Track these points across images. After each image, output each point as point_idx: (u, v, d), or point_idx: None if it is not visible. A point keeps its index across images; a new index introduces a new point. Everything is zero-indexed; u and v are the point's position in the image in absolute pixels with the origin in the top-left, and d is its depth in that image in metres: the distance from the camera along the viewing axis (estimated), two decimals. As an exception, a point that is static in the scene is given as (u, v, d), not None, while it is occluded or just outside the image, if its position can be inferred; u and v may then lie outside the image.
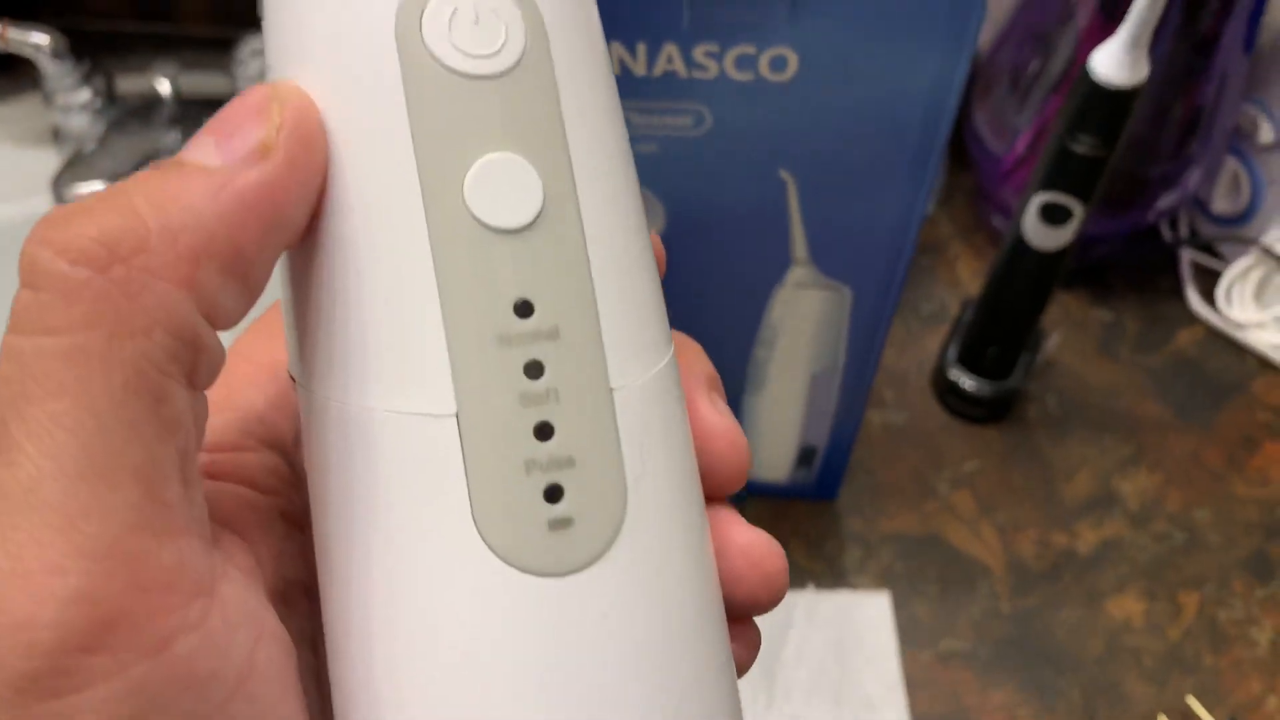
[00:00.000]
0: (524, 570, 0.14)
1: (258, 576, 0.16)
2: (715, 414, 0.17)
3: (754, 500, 0.48)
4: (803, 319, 0.36)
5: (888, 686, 0.42)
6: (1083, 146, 0.37)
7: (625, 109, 0.29)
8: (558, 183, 0.15)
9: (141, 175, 0.14)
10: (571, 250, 0.15)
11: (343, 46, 0.14)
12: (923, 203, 0.31)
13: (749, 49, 0.27)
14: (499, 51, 0.14)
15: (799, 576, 0.45)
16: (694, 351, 0.18)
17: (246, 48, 0.53)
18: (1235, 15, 0.44)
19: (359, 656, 0.15)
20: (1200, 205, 0.58)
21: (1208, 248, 0.58)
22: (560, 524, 0.15)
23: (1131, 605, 0.45)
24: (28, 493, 0.12)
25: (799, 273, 0.34)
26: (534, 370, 0.14)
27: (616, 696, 0.15)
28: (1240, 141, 0.54)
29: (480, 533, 0.14)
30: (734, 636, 0.18)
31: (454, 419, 0.14)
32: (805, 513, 0.47)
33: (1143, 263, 0.58)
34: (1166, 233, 0.59)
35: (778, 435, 0.42)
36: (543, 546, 0.14)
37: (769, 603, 0.18)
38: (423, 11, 0.14)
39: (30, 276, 0.13)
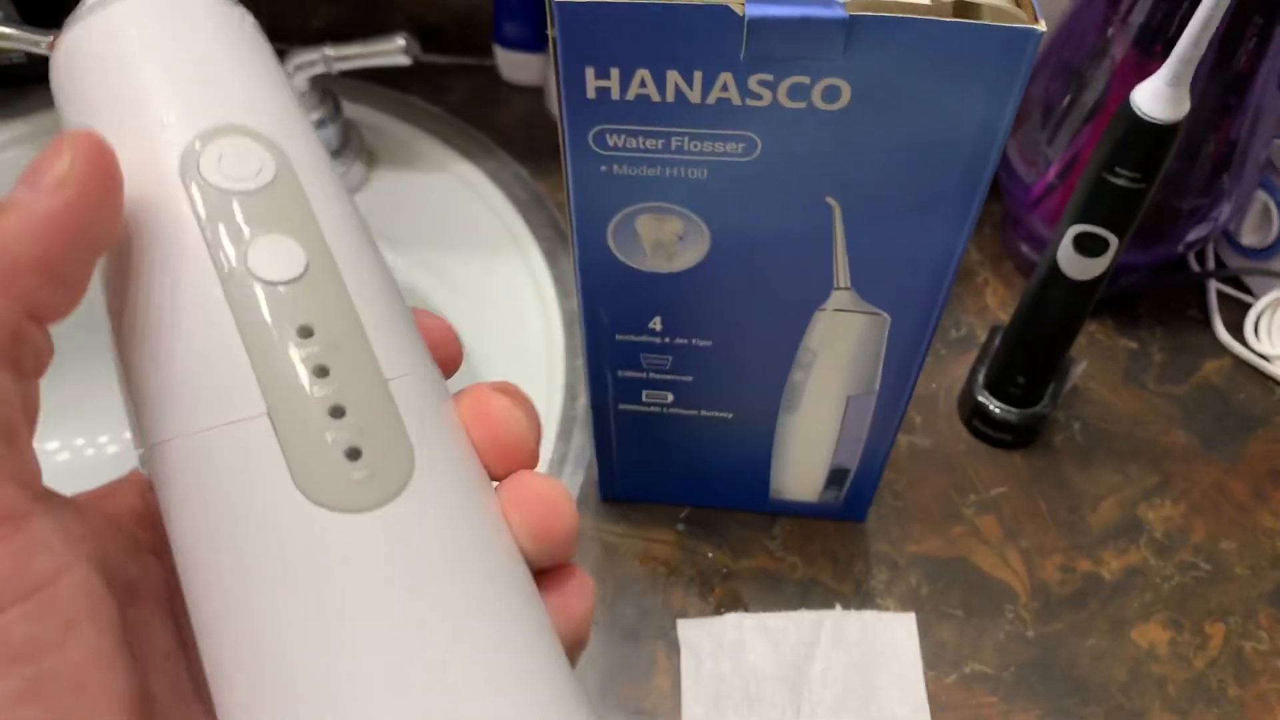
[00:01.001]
0: (341, 510, 0.18)
1: (80, 543, 0.19)
2: (493, 400, 0.22)
3: (783, 520, 0.48)
4: (841, 343, 0.36)
5: (913, 707, 0.42)
6: (1121, 179, 0.38)
7: (679, 135, 0.29)
8: (316, 248, 0.20)
9: None
10: (336, 290, 0.20)
11: (140, 186, 0.20)
12: (966, 235, 0.31)
13: (803, 79, 0.27)
14: (258, 173, 0.20)
15: (826, 597, 0.46)
16: (490, 382, 0.23)
17: (291, 63, 0.54)
18: (1270, 53, 0.44)
19: (222, 628, 0.18)
20: (1229, 237, 0.58)
21: (1235, 280, 0.59)
22: (363, 473, 0.19)
23: (1156, 634, 0.45)
24: None
25: (840, 298, 0.34)
26: (321, 372, 0.19)
27: (430, 603, 0.19)
28: (1271, 175, 0.54)
29: (301, 491, 0.18)
30: (558, 583, 0.22)
31: (266, 416, 0.19)
32: (833, 533, 0.48)
33: (1170, 293, 0.59)
34: (1194, 264, 0.59)
35: (810, 456, 0.43)
36: (352, 491, 0.19)
37: (562, 526, 0.21)
38: (199, 159, 0.20)
39: None
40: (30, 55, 0.60)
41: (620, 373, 0.40)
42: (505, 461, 0.22)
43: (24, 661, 0.17)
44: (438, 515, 0.19)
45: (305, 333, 0.19)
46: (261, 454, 0.19)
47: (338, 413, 0.19)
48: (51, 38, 0.52)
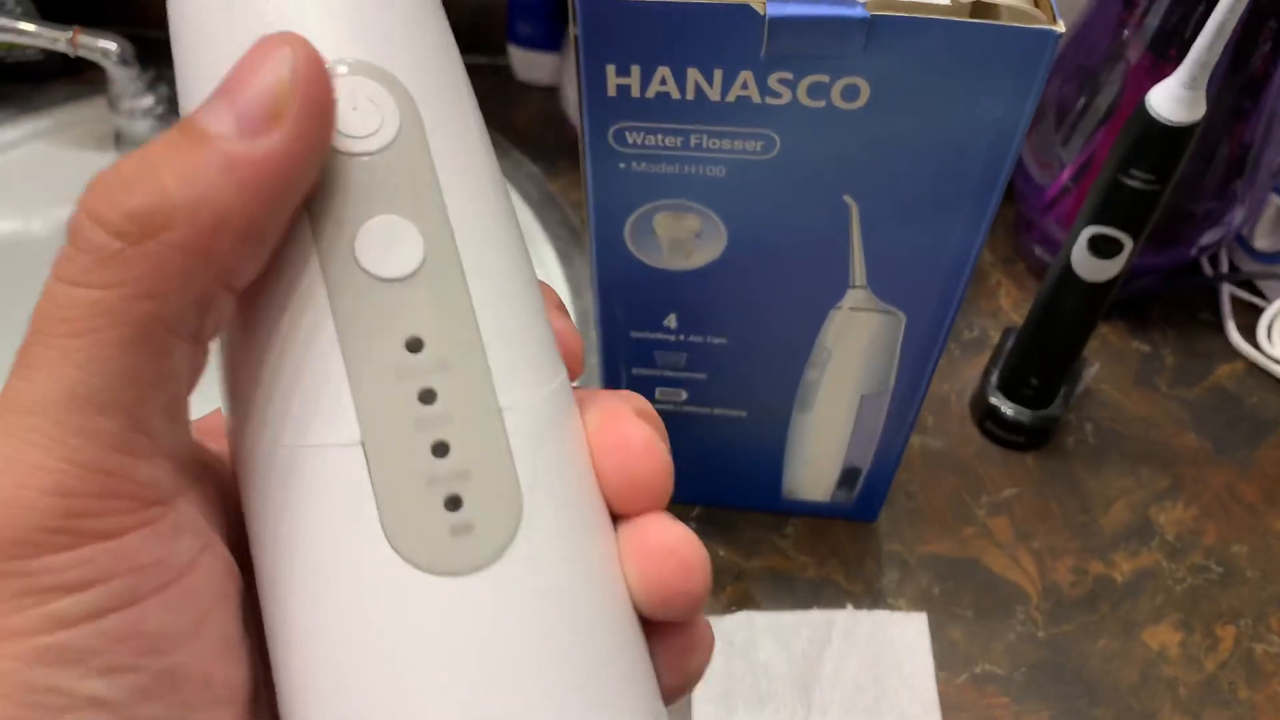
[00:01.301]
0: (432, 572, 0.16)
1: (218, 512, 0.18)
2: (635, 429, 0.19)
3: (794, 519, 0.48)
4: (855, 341, 0.37)
5: (924, 707, 0.43)
6: (1136, 181, 0.38)
7: (698, 133, 0.30)
8: (437, 236, 0.17)
9: (169, 143, 0.15)
10: (455, 293, 0.17)
11: None
12: (983, 236, 0.31)
13: (822, 78, 0.28)
14: (375, 132, 0.17)
15: (837, 596, 0.46)
16: (631, 394, 0.20)
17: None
18: (1285, 56, 0.44)
19: (295, 665, 0.17)
20: (1242, 241, 0.58)
21: (1248, 283, 0.59)
22: (462, 529, 0.16)
23: (1167, 636, 0.45)
24: (35, 404, 0.15)
25: (856, 296, 0.34)
26: (428, 397, 0.17)
27: (522, 683, 0.16)
28: (1284, 180, 0.54)
29: (390, 542, 0.16)
30: (673, 637, 0.19)
31: (360, 446, 0.16)
32: (845, 533, 0.48)
33: (1182, 296, 0.59)
34: (1207, 267, 0.59)
35: (823, 455, 0.43)
36: (447, 550, 0.16)
37: (689, 590, 0.19)
38: None
39: (75, 238, 0.15)
40: (47, 51, 0.60)
41: (635, 370, 0.40)
42: (635, 502, 0.19)
43: (156, 654, 0.16)
44: (538, 584, 0.17)
45: (414, 345, 0.17)
46: (351, 490, 0.16)
47: (441, 450, 0.17)
48: (71, 34, 0.53)
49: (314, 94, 0.16)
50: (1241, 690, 0.43)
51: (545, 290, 0.21)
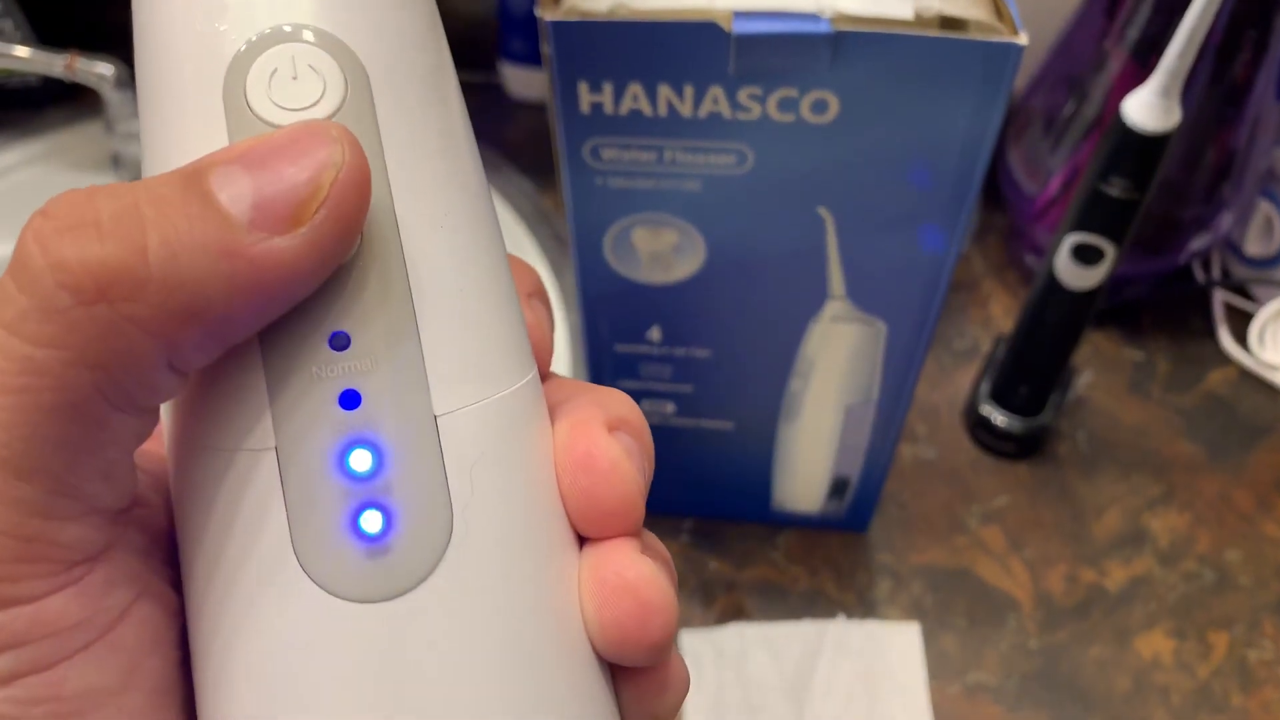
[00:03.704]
0: (341, 597, 0.15)
1: (164, 544, 0.17)
2: (600, 446, 0.17)
3: (785, 531, 0.48)
4: (837, 352, 0.37)
5: (916, 717, 0.43)
6: (1115, 189, 0.38)
7: (672, 148, 0.30)
8: (376, 221, 0.15)
9: (166, 193, 0.13)
10: (392, 284, 0.15)
11: (179, 103, 0.15)
12: (958, 243, 0.32)
13: (791, 92, 0.28)
14: (315, 104, 0.15)
15: (829, 607, 0.46)
16: (612, 395, 0.18)
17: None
18: (1267, 63, 0.44)
19: (206, 681, 0.16)
20: (1233, 247, 0.58)
21: (1240, 289, 0.59)
22: (378, 552, 0.15)
23: (1160, 643, 0.45)
24: None
25: (835, 307, 0.35)
26: (349, 400, 0.15)
27: None
28: (1273, 185, 0.54)
29: (299, 560, 0.15)
30: (640, 676, 0.17)
31: (274, 452, 0.15)
32: (836, 544, 0.48)
33: (1174, 303, 0.59)
34: (1199, 273, 0.59)
35: (811, 466, 0.43)
36: (361, 573, 0.15)
37: (646, 639, 0.16)
38: (247, 73, 0.15)
39: (19, 273, 0.13)
40: (45, 77, 0.61)
41: (621, 383, 0.40)
42: (598, 527, 0.17)
43: (77, 716, 0.14)
44: (461, 616, 0.15)
45: (339, 343, 0.15)
46: (264, 500, 0.15)
47: (360, 461, 0.15)
48: (67, 59, 0.53)
49: (348, 208, 0.14)
50: (1235, 697, 0.43)
51: (525, 275, 0.19)
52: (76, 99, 0.63)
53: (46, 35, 0.61)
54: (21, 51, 0.53)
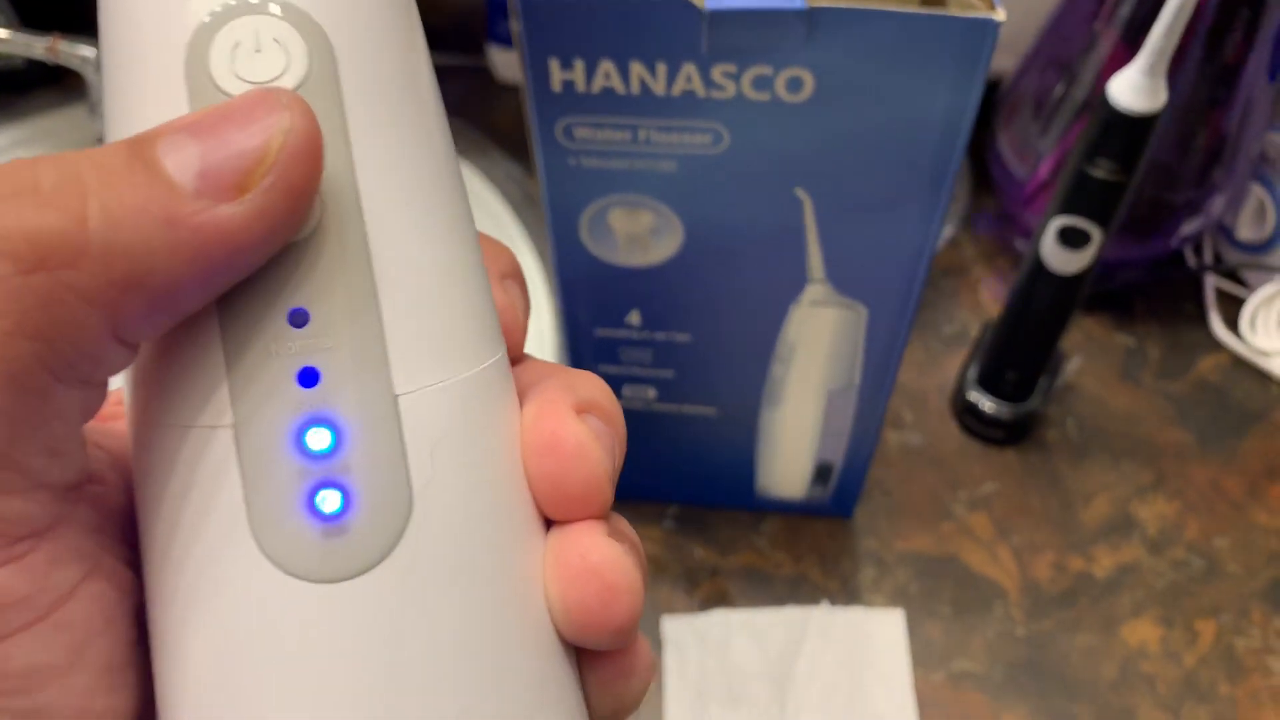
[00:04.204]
0: (297, 576, 0.15)
1: (119, 522, 0.16)
2: (568, 427, 0.17)
3: (770, 517, 0.48)
4: (819, 336, 0.36)
5: (900, 705, 0.42)
6: (1101, 171, 0.37)
7: (646, 127, 0.29)
8: (338, 195, 0.15)
9: (109, 161, 0.13)
10: (352, 260, 0.15)
11: (142, 74, 0.15)
12: (938, 225, 0.31)
13: (765, 70, 0.27)
14: (278, 77, 0.15)
15: (813, 593, 0.46)
16: (583, 377, 0.18)
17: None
18: (1259, 44, 0.44)
19: (163, 659, 0.15)
20: (1225, 232, 0.58)
21: (1232, 274, 0.58)
22: (335, 531, 0.15)
23: (1147, 631, 0.45)
24: None
25: (815, 290, 0.34)
26: (308, 378, 0.15)
27: (390, 706, 0.15)
28: (1266, 169, 0.54)
29: (256, 539, 0.15)
30: (605, 660, 0.17)
31: (231, 430, 0.15)
32: (821, 530, 0.48)
33: (1166, 288, 0.58)
34: (1191, 258, 0.59)
35: (794, 451, 0.43)
36: (318, 553, 0.15)
37: (610, 622, 0.16)
38: (210, 45, 0.15)
39: None
40: (28, 60, 0.60)
41: (601, 368, 0.40)
42: (564, 510, 0.17)
43: (22, 694, 0.14)
44: (420, 597, 0.15)
45: (298, 319, 0.15)
46: (220, 478, 0.15)
47: (318, 440, 0.15)
48: (50, 41, 0.53)
49: (297, 176, 0.14)
50: (1222, 685, 0.43)
51: (500, 255, 0.19)
52: (60, 82, 0.62)
53: (29, 18, 0.61)
54: (2, 33, 0.53)
